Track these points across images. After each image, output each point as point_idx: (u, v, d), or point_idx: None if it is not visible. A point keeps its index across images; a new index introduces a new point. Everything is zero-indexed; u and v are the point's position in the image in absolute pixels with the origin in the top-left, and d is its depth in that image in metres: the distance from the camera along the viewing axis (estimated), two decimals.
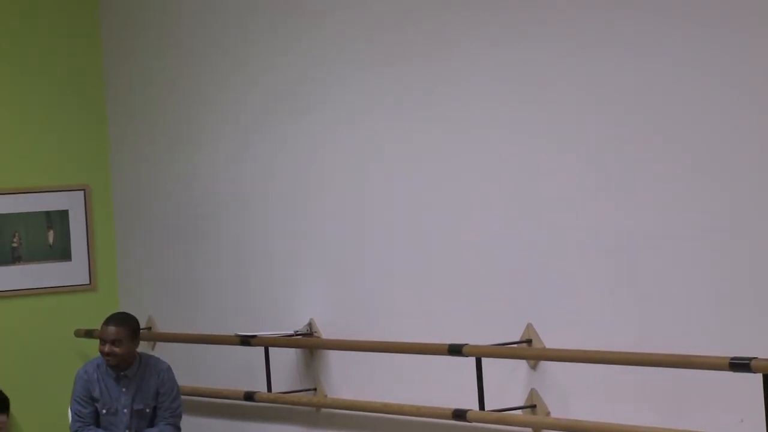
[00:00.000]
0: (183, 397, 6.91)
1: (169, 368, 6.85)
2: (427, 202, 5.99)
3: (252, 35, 6.91)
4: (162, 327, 7.60)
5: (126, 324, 6.74)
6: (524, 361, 5.55)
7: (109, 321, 6.75)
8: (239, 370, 7.05)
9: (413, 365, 6.04)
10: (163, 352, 7.40)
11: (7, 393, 7.49)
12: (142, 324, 7.27)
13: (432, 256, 5.99)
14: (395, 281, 6.19)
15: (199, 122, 7.30)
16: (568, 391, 5.39)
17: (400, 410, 6.04)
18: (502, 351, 5.55)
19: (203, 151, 7.29)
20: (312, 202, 6.64)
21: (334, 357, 6.59)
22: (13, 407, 7.49)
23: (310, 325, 6.66)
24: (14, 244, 7.71)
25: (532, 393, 5.52)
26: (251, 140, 6.97)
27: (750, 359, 4.53)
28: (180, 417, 6.83)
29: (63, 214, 7.81)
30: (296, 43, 6.65)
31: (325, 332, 6.59)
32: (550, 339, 5.44)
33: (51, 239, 7.80)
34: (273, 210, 6.89)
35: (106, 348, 6.68)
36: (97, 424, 6.79)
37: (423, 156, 5.99)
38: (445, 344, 5.70)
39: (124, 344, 6.70)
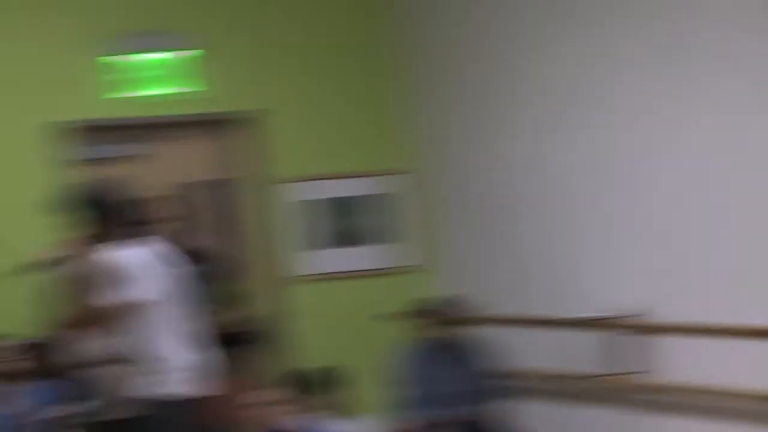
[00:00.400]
0: (511, 379, 6.93)
1: (498, 350, 6.91)
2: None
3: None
4: (488, 308, 7.60)
5: (456, 307, 6.87)
6: None
7: (440, 304, 6.90)
8: (570, 352, 6.97)
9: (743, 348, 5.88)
10: (491, 334, 7.41)
11: (345, 371, 7.65)
12: (468, 305, 7.28)
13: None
14: (722, 263, 6.03)
15: (521, 104, 7.26)
16: None
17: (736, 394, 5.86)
18: None
19: (523, 131, 7.25)
20: (637, 182, 6.51)
21: (663, 340, 6.42)
22: (348, 385, 7.65)
23: (636, 307, 6.50)
24: (343, 227, 7.90)
25: None
26: (562, 119, 6.92)
27: None
28: (509, 399, 6.86)
29: (396, 198, 7.99)
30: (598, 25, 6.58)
31: (653, 314, 6.43)
32: None
33: (378, 222, 7.96)
34: (594, 189, 6.79)
35: (440, 330, 6.79)
36: (428, 405, 6.87)
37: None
38: None
39: (454, 326, 6.80)
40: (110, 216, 5.65)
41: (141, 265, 5.64)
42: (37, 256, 5.75)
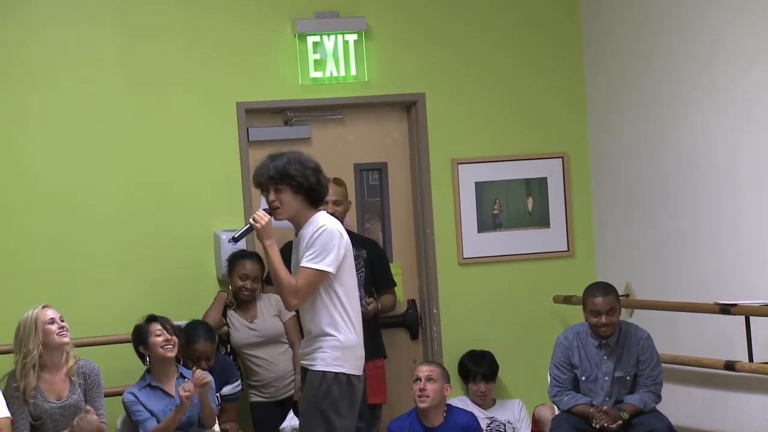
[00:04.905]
0: (663, 365, 6.89)
1: (648, 336, 6.85)
2: None
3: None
4: (640, 294, 7.59)
5: (612, 294, 6.81)
6: None
7: (595, 291, 6.82)
8: (719, 338, 6.91)
9: None
10: (641, 319, 7.40)
11: (496, 355, 7.71)
12: (620, 291, 7.28)
13: None
14: None
15: (674, 91, 7.21)
16: None
17: None
18: None
19: (678, 119, 7.19)
20: None
21: None
22: (500, 369, 7.71)
23: None
24: (495, 211, 7.91)
25: None
26: (725, 108, 6.83)
27: None
28: (660, 385, 6.82)
29: (542, 182, 7.95)
30: None
31: None
32: None
33: (530, 206, 7.95)
34: (748, 176, 6.71)
35: (603, 319, 6.76)
36: (576, 390, 6.88)
37: None
38: None
39: (617, 313, 6.78)
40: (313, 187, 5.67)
41: (342, 238, 5.69)
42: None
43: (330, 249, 5.55)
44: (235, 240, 5.80)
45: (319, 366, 5.58)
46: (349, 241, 5.71)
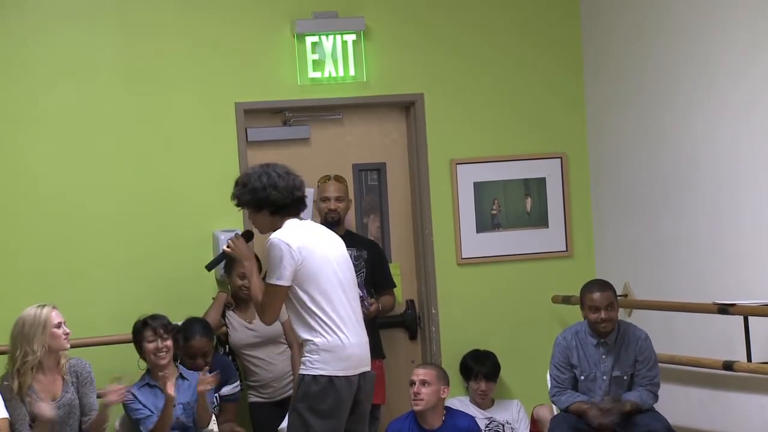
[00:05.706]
0: (660, 364, 6.89)
1: (647, 336, 6.86)
2: None
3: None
4: (639, 294, 7.60)
5: (610, 290, 6.82)
6: None
7: (592, 288, 6.84)
8: (718, 338, 6.92)
9: None
10: (639, 319, 7.41)
11: (497, 355, 7.71)
12: (618, 291, 7.29)
13: None
14: None
15: (674, 91, 7.22)
16: None
17: None
18: None
19: (679, 119, 7.20)
20: None
21: None
22: (500, 369, 7.72)
23: None
24: (494, 212, 7.92)
25: None
26: (725, 108, 6.84)
27: None
28: (658, 385, 6.82)
29: (540, 182, 7.95)
30: None
31: None
32: None
33: (529, 206, 7.96)
34: (747, 176, 6.72)
35: (602, 314, 6.77)
36: (575, 390, 6.89)
37: None
38: None
39: (615, 309, 6.79)
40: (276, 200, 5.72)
41: (315, 244, 5.73)
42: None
43: (276, 261, 5.64)
44: (208, 268, 6.12)
45: (301, 370, 5.70)
46: (311, 246, 5.69)
